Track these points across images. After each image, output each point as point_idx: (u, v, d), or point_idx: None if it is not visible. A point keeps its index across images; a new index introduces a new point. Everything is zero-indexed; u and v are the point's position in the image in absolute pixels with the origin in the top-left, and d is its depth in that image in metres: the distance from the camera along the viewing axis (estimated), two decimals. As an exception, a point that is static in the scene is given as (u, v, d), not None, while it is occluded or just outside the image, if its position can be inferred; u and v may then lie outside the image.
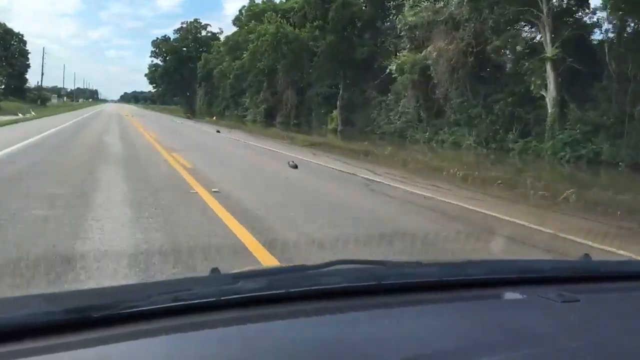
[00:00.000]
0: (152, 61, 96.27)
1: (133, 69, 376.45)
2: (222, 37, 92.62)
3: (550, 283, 1.42)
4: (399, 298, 1.28)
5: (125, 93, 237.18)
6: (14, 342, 0.96)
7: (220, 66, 79.28)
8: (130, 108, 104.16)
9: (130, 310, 1.08)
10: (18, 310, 1.06)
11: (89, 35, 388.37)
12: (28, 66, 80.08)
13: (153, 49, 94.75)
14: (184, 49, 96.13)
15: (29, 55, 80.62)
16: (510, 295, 1.34)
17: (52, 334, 1.00)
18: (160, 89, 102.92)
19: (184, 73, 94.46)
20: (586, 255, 1.71)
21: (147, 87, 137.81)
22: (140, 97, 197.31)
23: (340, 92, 42.20)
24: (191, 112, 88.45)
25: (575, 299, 1.27)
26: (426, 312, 1.26)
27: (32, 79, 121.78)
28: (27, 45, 79.81)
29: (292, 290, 1.22)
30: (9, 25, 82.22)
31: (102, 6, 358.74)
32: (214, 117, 58.94)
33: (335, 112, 41.98)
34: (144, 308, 1.10)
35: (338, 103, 42.04)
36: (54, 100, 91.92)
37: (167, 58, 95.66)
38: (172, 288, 1.25)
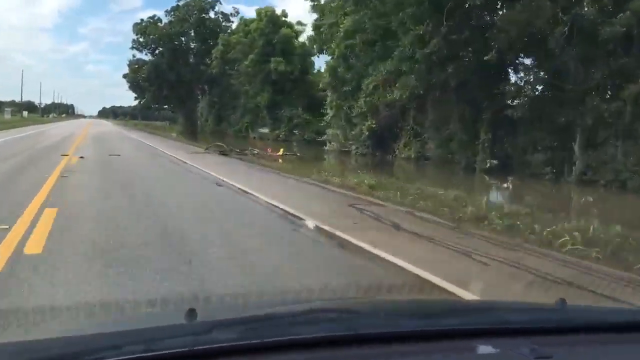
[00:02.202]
0: (133, 56, 63.92)
1: (112, 84, 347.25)
2: (235, 22, 61.06)
3: (524, 334, 1.38)
4: (375, 350, 1.26)
5: (104, 108, 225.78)
6: None
7: (252, 56, 46.90)
8: (100, 126, 70.66)
9: None
10: None
11: (67, 50, 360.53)
12: None
13: (136, 36, 62.50)
14: (182, 38, 64.12)
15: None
16: (484, 348, 1.29)
17: None
18: (144, 97, 69.89)
19: (182, 73, 62.29)
20: (562, 300, 1.62)
21: (127, 102, 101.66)
22: (119, 111, 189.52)
23: None
24: (191, 131, 57.01)
25: (549, 354, 1.23)
26: None
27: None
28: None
29: (267, 340, 1.21)
30: None
31: (80, 21, 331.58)
32: (271, 151, 26.80)
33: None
34: (117, 359, 1.08)
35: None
36: (7, 115, 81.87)
37: (157, 51, 63.43)
38: (143, 337, 1.21)
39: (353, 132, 30.50)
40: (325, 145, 33.41)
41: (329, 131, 33.21)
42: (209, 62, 66.32)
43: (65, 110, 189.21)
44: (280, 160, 23.04)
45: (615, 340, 1.43)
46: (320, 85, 36.63)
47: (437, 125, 25.68)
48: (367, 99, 29.42)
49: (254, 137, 54.99)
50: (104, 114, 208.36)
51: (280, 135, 46.83)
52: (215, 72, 55.81)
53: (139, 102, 73.51)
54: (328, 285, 4.63)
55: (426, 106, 26.69)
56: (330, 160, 28.45)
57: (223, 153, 24.26)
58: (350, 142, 31.03)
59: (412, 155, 27.75)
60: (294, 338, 1.24)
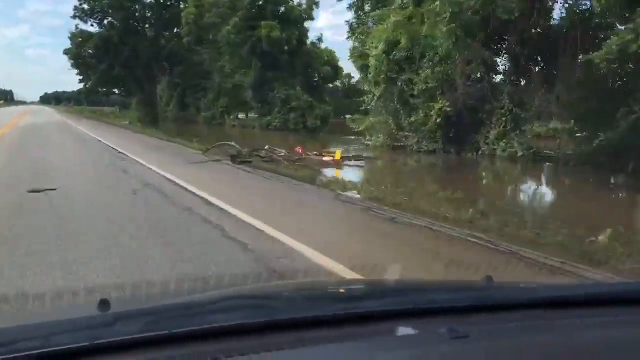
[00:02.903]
0: (76, 27, 51.89)
1: (56, 69, 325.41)
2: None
3: (446, 314, 1.36)
4: (290, 336, 1.22)
5: (46, 94, 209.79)
6: None
7: (236, 19, 36.71)
8: (39, 114, 58.33)
9: None
10: None
11: (5, 34, 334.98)
12: None
13: (79, 2, 50.48)
14: (136, 5, 52.62)
15: None
16: (403, 330, 1.27)
17: None
18: (90, 79, 57.84)
19: (138, 48, 50.98)
20: (488, 277, 1.62)
21: (73, 87, 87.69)
22: (62, 97, 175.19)
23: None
24: (151, 119, 46.68)
25: (465, 334, 1.22)
26: (319, 351, 1.21)
27: None
28: None
29: (176, 330, 1.16)
30: None
31: (19, 3, 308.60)
32: (306, 152, 16.19)
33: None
34: (8, 356, 1.05)
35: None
36: None
37: (106, 21, 51.77)
38: (41, 332, 1.17)
39: (411, 119, 20.67)
40: (365, 138, 23.40)
41: (371, 119, 23.17)
42: (168, 34, 55.21)
43: (2, 97, 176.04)
44: (343, 177, 13.19)
45: (537, 316, 1.40)
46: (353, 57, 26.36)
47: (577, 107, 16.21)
48: (438, 68, 19.68)
49: (233, 125, 44.56)
50: (46, 99, 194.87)
51: (273, 123, 36.49)
52: (185, 42, 44.61)
53: (85, 85, 61.61)
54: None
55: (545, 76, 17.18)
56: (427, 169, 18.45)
57: (242, 160, 14.22)
58: (407, 134, 21.21)
59: (518, 153, 18.26)
60: (206, 327, 1.19)
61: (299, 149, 17.87)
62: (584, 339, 1.32)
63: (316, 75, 37.57)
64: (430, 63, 19.83)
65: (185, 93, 58.80)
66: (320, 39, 38.77)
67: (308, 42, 40.31)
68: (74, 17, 51.00)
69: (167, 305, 1.45)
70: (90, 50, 50.82)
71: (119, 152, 16.03)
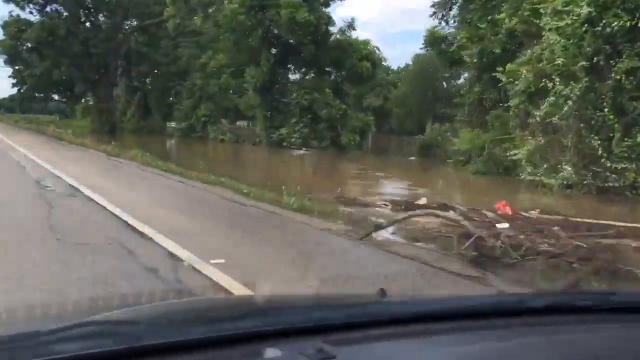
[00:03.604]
0: (11, 14, 40.63)
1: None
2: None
3: (326, 332, 1.28)
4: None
5: None
6: None
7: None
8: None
9: None
10: None
11: None
12: None
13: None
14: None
15: None
16: (270, 352, 1.20)
17: None
18: (27, 81, 46.38)
19: (91, 42, 40.42)
20: (381, 291, 1.53)
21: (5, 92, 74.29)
22: None
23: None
24: (109, 127, 37.32)
25: (333, 354, 1.17)
26: None
27: None
28: None
29: None
30: None
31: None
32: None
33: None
34: None
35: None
36: None
37: (50, 7, 40.96)
38: None
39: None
40: (523, 171, 14.24)
41: (536, 139, 13.93)
42: (127, 28, 44.75)
43: None
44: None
45: (421, 332, 1.36)
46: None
47: None
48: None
49: (222, 140, 34.71)
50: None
51: (290, 138, 26.89)
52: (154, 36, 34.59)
53: (19, 89, 50.46)
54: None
55: None
56: None
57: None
58: (624, 165, 12.21)
59: None
60: (53, 358, 1.10)
61: (502, 207, 8.77)
62: (468, 352, 1.29)
63: (351, 73, 28.09)
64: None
65: (148, 98, 48.39)
66: (351, 26, 29.51)
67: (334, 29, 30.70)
68: (8, 0, 39.76)
69: (11, 336, 1.28)
70: (29, 44, 39.72)
71: (136, 231, 6.55)
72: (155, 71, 47.39)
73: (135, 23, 45.24)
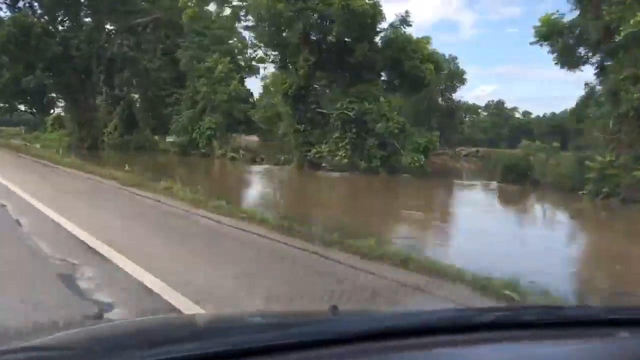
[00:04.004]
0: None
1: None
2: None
3: (272, 352, 1.25)
4: None
5: None
6: None
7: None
8: None
9: None
10: None
11: None
12: None
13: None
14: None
15: None
16: None
17: None
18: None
19: (71, 43, 34.82)
20: (333, 307, 1.50)
21: None
22: None
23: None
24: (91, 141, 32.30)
25: None
26: None
27: None
28: None
29: None
30: None
31: None
32: None
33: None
34: None
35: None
36: None
37: (23, 3, 35.25)
38: None
39: None
40: None
41: None
42: (112, 29, 39.14)
43: None
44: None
45: (369, 350, 1.33)
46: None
47: None
48: None
49: (232, 157, 29.48)
50: None
51: (337, 157, 21.73)
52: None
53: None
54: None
55: None
56: None
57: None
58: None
59: None
60: None
61: None
62: None
63: (410, 78, 23.02)
64: None
65: (133, 108, 42.64)
66: (405, 21, 24.15)
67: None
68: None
69: None
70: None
71: None
72: (141, 78, 41.79)
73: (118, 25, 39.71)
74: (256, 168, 25.68)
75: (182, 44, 32.17)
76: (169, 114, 35.50)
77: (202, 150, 31.58)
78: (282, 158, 25.24)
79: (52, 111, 62.30)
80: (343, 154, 21.51)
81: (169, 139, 35.08)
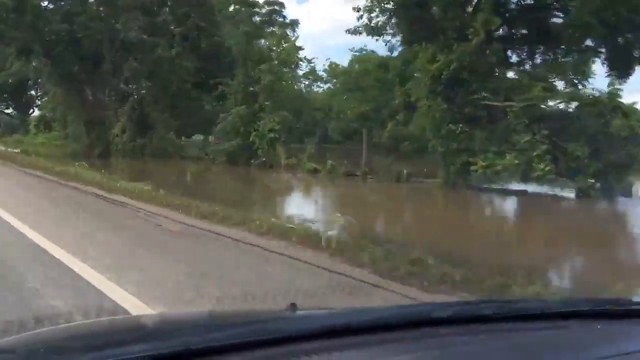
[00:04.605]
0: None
1: None
2: None
3: (229, 352, 1.22)
4: None
5: None
6: None
7: None
8: None
9: None
10: None
11: None
12: None
13: None
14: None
15: None
16: None
17: None
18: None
19: (77, 25, 26.65)
20: (292, 305, 1.46)
21: None
22: None
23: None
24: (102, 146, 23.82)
25: None
26: None
27: None
28: None
29: None
30: None
31: None
32: None
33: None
34: None
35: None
36: None
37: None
38: None
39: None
40: None
41: None
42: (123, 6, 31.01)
43: None
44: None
45: (329, 347, 1.30)
46: None
47: None
48: None
49: (315, 169, 22.09)
50: None
51: (541, 172, 14.31)
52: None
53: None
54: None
55: None
56: None
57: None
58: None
59: None
60: None
61: None
62: None
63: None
64: None
65: (145, 107, 34.52)
66: None
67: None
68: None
69: None
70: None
71: None
72: (156, 68, 33.74)
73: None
74: (380, 188, 17.95)
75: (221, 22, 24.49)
76: (193, 110, 27.87)
77: (259, 161, 23.99)
78: (405, 172, 17.79)
79: (30, 111, 53.84)
80: (546, 168, 14.05)
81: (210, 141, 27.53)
